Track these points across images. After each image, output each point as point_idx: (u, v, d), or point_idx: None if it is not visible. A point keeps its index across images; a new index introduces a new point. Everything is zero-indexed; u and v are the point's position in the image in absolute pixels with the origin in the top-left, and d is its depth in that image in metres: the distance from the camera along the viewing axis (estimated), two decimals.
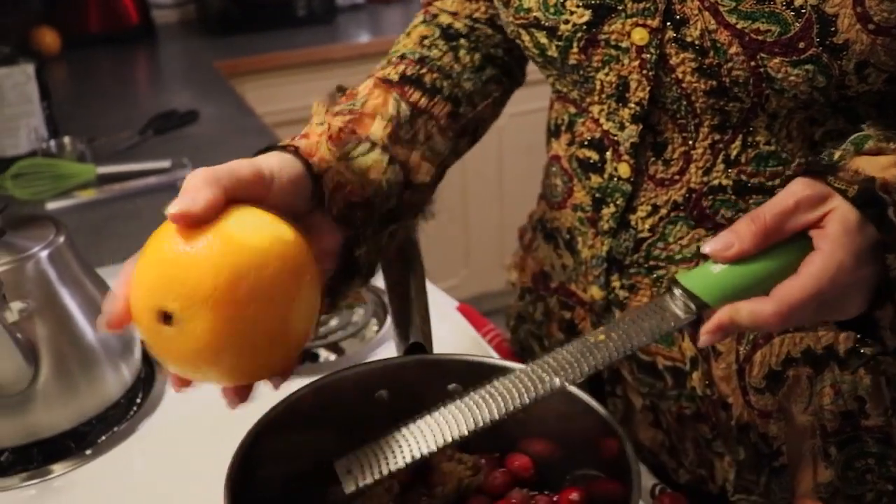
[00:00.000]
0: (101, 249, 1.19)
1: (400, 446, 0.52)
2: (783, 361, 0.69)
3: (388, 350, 0.90)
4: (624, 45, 0.65)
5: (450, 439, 0.52)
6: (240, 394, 0.54)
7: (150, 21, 2.49)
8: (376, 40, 2.39)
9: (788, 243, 0.53)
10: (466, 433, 0.52)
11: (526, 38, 0.69)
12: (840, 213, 0.52)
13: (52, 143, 1.53)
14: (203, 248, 0.48)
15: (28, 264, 0.78)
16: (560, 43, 0.67)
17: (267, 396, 0.57)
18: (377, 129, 0.65)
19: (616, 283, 0.74)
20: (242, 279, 0.47)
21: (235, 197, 0.51)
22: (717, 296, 0.52)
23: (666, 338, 0.72)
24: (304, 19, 2.48)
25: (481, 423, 0.52)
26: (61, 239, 0.82)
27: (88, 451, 0.80)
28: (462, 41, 0.75)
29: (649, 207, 0.70)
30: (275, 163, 0.56)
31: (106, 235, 1.25)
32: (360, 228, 0.60)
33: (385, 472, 0.52)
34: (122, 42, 2.40)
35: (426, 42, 0.75)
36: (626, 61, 0.65)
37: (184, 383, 0.53)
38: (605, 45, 0.65)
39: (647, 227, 0.70)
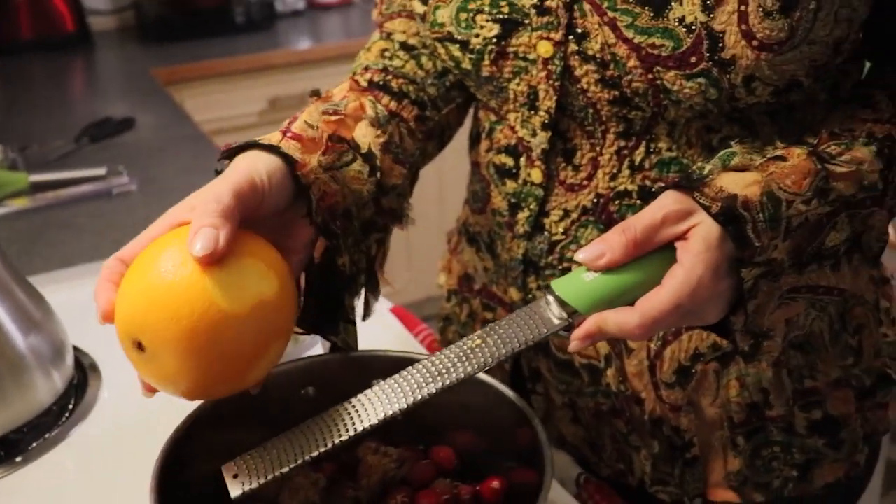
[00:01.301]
0: (34, 258, 1.19)
1: (290, 447, 0.54)
2: (691, 356, 0.73)
3: (319, 352, 0.92)
4: (531, 56, 0.68)
5: (330, 446, 0.54)
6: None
7: (87, 28, 2.46)
8: (316, 47, 2.40)
9: (655, 254, 0.57)
10: (342, 440, 0.54)
11: (442, 51, 0.72)
12: (703, 229, 0.56)
13: None
14: (185, 294, 0.49)
15: None
16: (472, 56, 0.70)
17: None
18: (363, 135, 0.66)
19: (533, 285, 0.77)
20: (214, 339, 0.50)
21: (240, 217, 0.53)
22: (588, 304, 0.56)
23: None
24: (242, 26, 2.48)
25: (354, 433, 0.54)
26: None
27: (19, 459, 0.80)
28: (421, 51, 0.78)
29: (561, 212, 0.73)
30: (265, 172, 0.57)
31: (40, 244, 1.25)
32: (339, 238, 0.62)
33: (272, 475, 0.53)
34: (57, 49, 2.36)
35: (387, 54, 0.78)
36: (534, 72, 0.69)
37: (152, 391, 0.55)
38: (514, 58, 0.69)
39: (560, 230, 0.73)
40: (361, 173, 0.64)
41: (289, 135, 0.62)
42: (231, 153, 0.60)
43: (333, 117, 0.66)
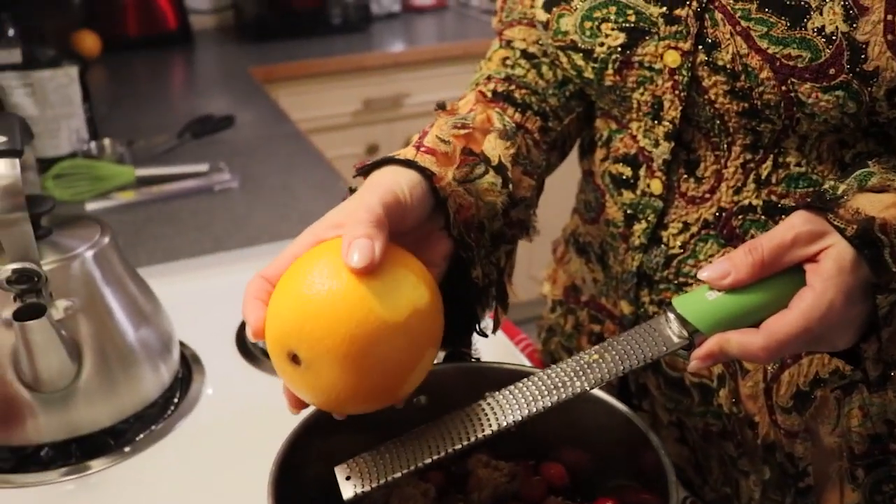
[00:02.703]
0: (138, 251, 1.22)
1: (403, 453, 0.54)
2: (811, 382, 0.70)
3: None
4: (657, 66, 0.66)
5: (443, 454, 0.53)
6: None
7: (188, 26, 2.54)
8: (410, 49, 2.42)
9: (783, 275, 0.54)
10: (456, 449, 0.53)
11: (564, 59, 0.71)
12: (836, 252, 0.53)
13: (93, 144, 1.56)
14: (343, 304, 0.49)
15: (74, 263, 0.81)
16: (596, 65, 0.69)
17: None
18: (493, 147, 0.65)
19: (646, 299, 0.75)
20: (373, 347, 0.49)
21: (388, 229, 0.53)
22: (710, 323, 0.54)
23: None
24: (338, 27, 2.52)
25: (467, 443, 0.53)
26: (106, 239, 0.84)
27: (127, 449, 0.83)
28: (542, 59, 0.77)
29: (680, 224, 0.71)
30: (406, 187, 0.56)
31: (144, 237, 1.28)
32: (474, 250, 0.61)
33: (384, 479, 0.53)
34: (161, 46, 2.44)
35: (508, 62, 0.77)
36: (659, 82, 0.67)
37: (299, 406, 0.54)
38: (639, 67, 0.67)
39: (677, 243, 0.72)
40: (494, 185, 0.63)
41: (423, 149, 0.61)
42: (366, 170, 0.60)
43: (463, 131, 0.65)
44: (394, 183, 0.56)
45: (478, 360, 0.66)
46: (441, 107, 0.69)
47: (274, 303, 0.52)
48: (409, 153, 0.61)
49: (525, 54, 0.78)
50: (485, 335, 0.66)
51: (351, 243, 0.50)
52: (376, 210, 0.52)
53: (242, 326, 1.02)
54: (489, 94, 0.72)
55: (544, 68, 0.77)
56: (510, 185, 0.64)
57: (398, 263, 0.52)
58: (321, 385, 0.50)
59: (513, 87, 0.74)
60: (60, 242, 0.82)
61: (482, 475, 0.62)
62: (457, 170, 0.61)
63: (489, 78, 0.75)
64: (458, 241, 0.60)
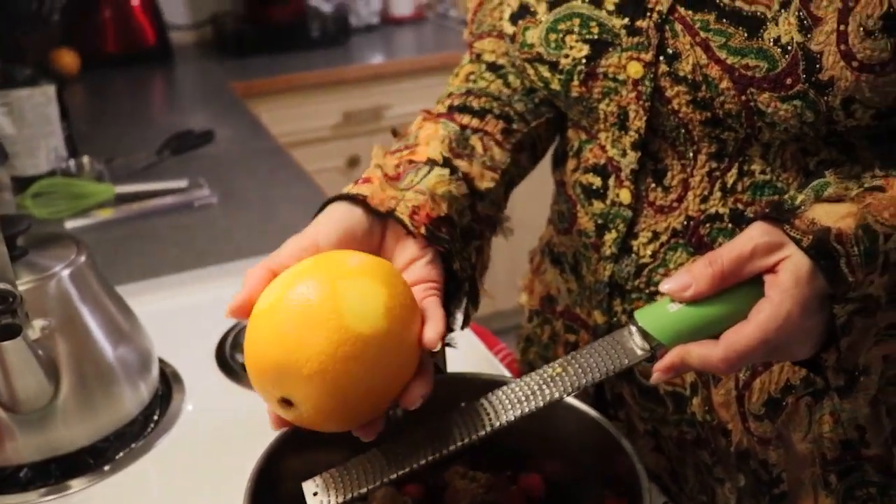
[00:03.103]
0: (118, 268, 1.21)
1: (372, 467, 0.54)
2: (782, 389, 0.71)
3: None
4: (621, 77, 0.67)
5: (409, 468, 0.54)
6: None
7: (167, 42, 2.53)
8: (390, 62, 2.43)
9: (742, 287, 0.55)
10: (423, 463, 0.54)
11: (531, 71, 0.72)
12: (792, 263, 0.54)
13: (72, 162, 1.55)
14: (317, 332, 0.49)
15: (50, 283, 0.81)
16: (561, 76, 0.70)
17: None
18: (433, 148, 0.68)
19: (618, 308, 0.76)
20: (353, 363, 0.49)
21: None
22: (671, 336, 0.54)
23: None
24: (318, 41, 2.52)
25: (445, 452, 0.54)
26: (82, 258, 0.84)
27: (106, 468, 0.83)
28: (508, 69, 0.78)
29: (650, 234, 0.72)
30: (318, 231, 0.59)
31: (123, 255, 1.28)
32: (448, 243, 0.62)
33: (352, 493, 0.53)
34: (140, 63, 2.43)
35: (472, 77, 0.78)
36: (624, 93, 0.68)
37: (282, 424, 0.54)
38: (603, 78, 0.68)
39: (648, 252, 0.72)
40: (443, 176, 0.65)
41: (360, 181, 0.64)
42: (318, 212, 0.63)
43: (405, 152, 0.67)
44: (309, 231, 0.59)
45: (447, 345, 0.66)
46: (394, 133, 0.72)
47: (254, 342, 0.51)
48: (346, 189, 0.63)
49: (492, 67, 0.79)
50: (451, 329, 0.66)
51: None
52: (267, 267, 0.56)
53: (222, 342, 1.02)
54: (443, 110, 0.74)
55: (511, 77, 0.78)
56: (459, 173, 0.66)
57: (359, 274, 0.52)
58: (310, 412, 0.50)
59: (471, 97, 0.75)
60: (36, 262, 0.82)
61: (459, 486, 0.62)
62: (395, 182, 0.63)
63: (449, 95, 0.77)
64: (429, 238, 0.61)
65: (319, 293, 0.49)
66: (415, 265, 0.60)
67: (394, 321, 0.51)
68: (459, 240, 0.64)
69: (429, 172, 0.65)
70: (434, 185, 0.63)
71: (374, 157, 0.67)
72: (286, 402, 0.50)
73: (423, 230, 0.60)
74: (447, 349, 0.66)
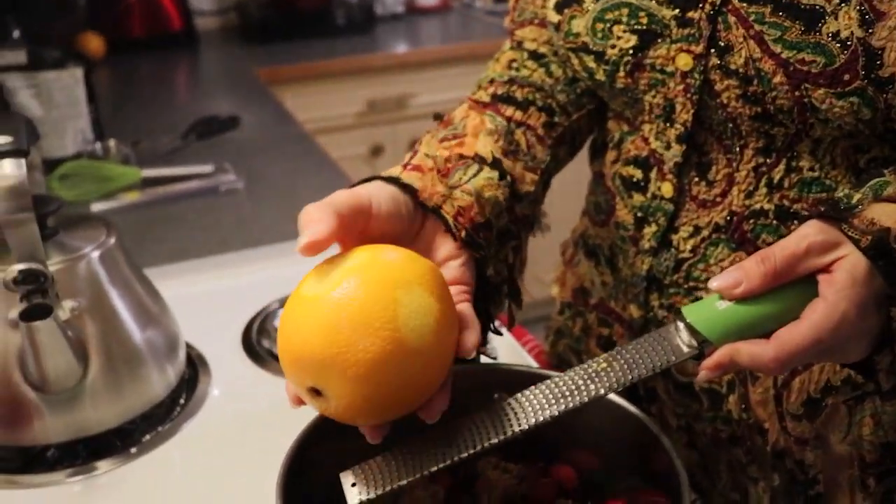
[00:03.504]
0: (144, 251, 1.21)
1: (411, 459, 0.53)
2: (822, 389, 0.69)
3: None
4: (669, 69, 0.66)
5: (450, 461, 0.52)
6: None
7: (193, 27, 2.53)
8: (414, 50, 2.42)
9: (795, 286, 0.53)
10: (463, 457, 0.52)
11: (575, 61, 0.71)
12: (849, 263, 0.53)
13: (98, 145, 1.55)
14: (362, 332, 0.47)
15: (80, 264, 0.80)
16: (607, 67, 0.68)
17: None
18: (483, 144, 0.66)
19: (655, 303, 0.74)
20: (392, 370, 0.48)
21: (346, 224, 0.52)
22: (720, 333, 0.53)
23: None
24: (343, 28, 2.51)
25: (484, 445, 0.53)
26: (112, 240, 0.84)
27: (133, 450, 0.82)
28: (551, 58, 0.77)
29: (691, 228, 0.71)
30: (374, 196, 0.56)
31: (149, 238, 1.28)
32: (484, 249, 0.61)
33: (390, 486, 0.52)
34: (165, 47, 2.44)
35: (514, 65, 0.77)
36: (671, 85, 0.66)
37: (301, 403, 0.53)
38: (650, 70, 0.67)
39: (688, 247, 0.71)
40: (492, 180, 0.63)
41: (409, 167, 0.62)
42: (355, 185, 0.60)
43: (453, 141, 0.65)
44: (361, 189, 0.56)
45: (494, 358, 0.66)
46: (438, 117, 0.69)
47: (299, 328, 0.49)
48: (394, 171, 0.61)
49: (534, 55, 0.77)
50: (499, 333, 0.66)
51: (301, 231, 0.50)
52: (326, 202, 0.52)
53: (249, 327, 1.01)
54: (487, 99, 0.72)
55: (553, 66, 0.76)
56: (508, 178, 0.64)
57: (416, 283, 0.50)
58: (339, 408, 0.49)
59: (514, 87, 0.73)
60: (67, 243, 0.82)
61: (491, 477, 0.61)
62: (445, 177, 0.61)
63: (492, 81, 0.75)
64: (467, 243, 0.60)
65: (379, 298, 0.48)
66: (450, 264, 0.59)
67: (440, 338, 0.50)
68: (496, 243, 0.63)
69: (477, 172, 0.63)
70: (482, 188, 0.62)
71: (424, 143, 0.66)
72: (316, 392, 0.49)
73: (463, 233, 0.59)
74: (491, 337, 0.66)
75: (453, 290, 0.56)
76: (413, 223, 0.59)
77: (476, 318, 0.55)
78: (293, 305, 0.50)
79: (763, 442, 0.73)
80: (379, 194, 0.57)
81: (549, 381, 0.55)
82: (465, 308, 0.55)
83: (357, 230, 0.54)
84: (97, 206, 1.38)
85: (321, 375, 0.48)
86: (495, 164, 0.65)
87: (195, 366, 0.94)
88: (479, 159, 0.64)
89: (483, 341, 0.65)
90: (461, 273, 0.59)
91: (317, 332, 0.48)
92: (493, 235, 0.63)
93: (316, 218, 0.51)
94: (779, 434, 0.72)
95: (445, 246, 0.60)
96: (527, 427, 0.53)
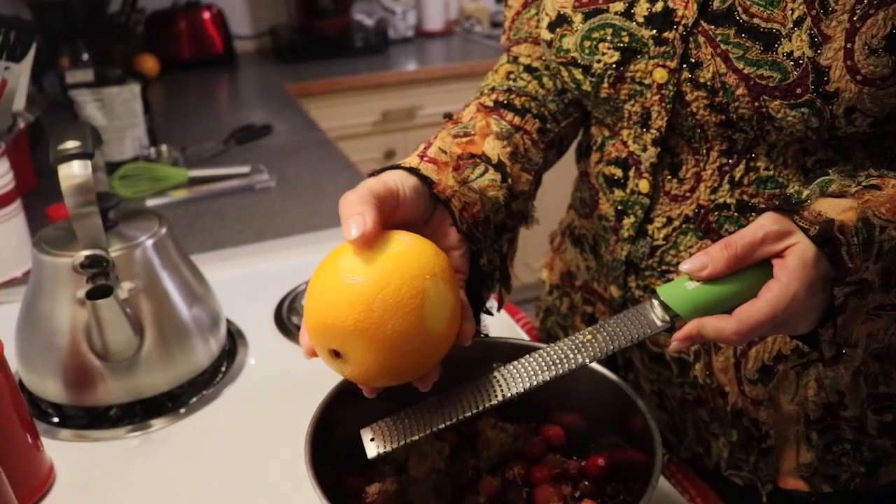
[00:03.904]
0: (191, 241, 1.21)
1: (421, 418, 0.53)
2: (774, 357, 0.69)
3: None
4: (647, 81, 0.65)
5: (455, 420, 0.52)
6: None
7: (232, 49, 2.52)
8: (422, 68, 2.40)
9: (753, 268, 0.53)
10: (467, 416, 0.52)
11: (565, 73, 0.70)
12: (800, 249, 0.52)
13: (152, 150, 1.55)
14: (392, 313, 0.47)
15: (136, 251, 0.80)
16: (593, 79, 0.67)
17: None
18: (490, 145, 0.64)
19: (633, 284, 0.74)
20: (407, 347, 0.48)
21: (382, 211, 0.51)
22: (689, 309, 0.53)
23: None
24: (361, 49, 2.50)
25: (485, 406, 0.52)
26: (164, 230, 0.83)
27: (182, 410, 0.82)
28: (543, 72, 0.76)
29: (664, 219, 0.70)
30: (401, 183, 0.55)
31: (195, 229, 1.27)
32: (481, 242, 0.60)
33: (404, 441, 0.52)
34: (209, 67, 2.43)
35: (511, 76, 0.75)
36: (648, 95, 0.65)
37: (314, 354, 0.51)
38: (630, 82, 0.66)
39: (661, 236, 0.70)
40: (495, 181, 0.62)
41: (426, 159, 0.60)
42: (376, 174, 0.58)
43: (464, 139, 0.64)
44: (389, 178, 0.55)
45: (486, 335, 0.65)
46: (448, 116, 0.68)
47: (326, 297, 0.48)
48: (412, 161, 0.59)
49: (528, 68, 0.76)
50: (490, 314, 0.65)
51: (347, 221, 0.48)
52: (365, 193, 0.51)
53: (280, 306, 1.00)
54: (490, 104, 0.71)
55: (545, 79, 0.75)
56: (509, 180, 0.63)
57: (440, 277, 0.49)
58: (355, 372, 0.49)
59: (513, 95, 0.72)
60: (125, 233, 0.81)
61: (490, 435, 0.61)
62: (457, 172, 0.60)
63: (493, 89, 0.74)
64: (467, 235, 0.59)
65: (411, 287, 0.47)
66: (451, 254, 0.58)
67: (451, 326, 0.50)
68: (492, 235, 0.62)
69: (483, 173, 0.62)
70: (486, 188, 0.61)
71: (439, 138, 0.64)
72: (336, 354, 0.48)
73: (465, 227, 0.58)
74: (483, 317, 0.65)
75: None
76: (426, 212, 0.58)
77: (469, 307, 0.55)
78: (329, 276, 0.49)
79: (724, 403, 0.72)
80: (405, 184, 0.55)
81: (540, 351, 0.54)
82: (462, 298, 0.55)
83: (387, 215, 0.53)
84: (151, 202, 1.38)
85: (348, 344, 0.47)
86: (499, 166, 0.63)
87: (234, 339, 0.93)
88: (486, 159, 0.63)
89: (477, 321, 0.64)
90: (460, 262, 0.58)
91: (352, 306, 0.47)
92: (490, 230, 0.62)
93: (359, 210, 0.49)
94: (737, 396, 0.71)
95: (451, 236, 0.59)
96: (522, 391, 0.53)
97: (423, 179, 0.57)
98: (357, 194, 0.51)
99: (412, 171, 0.57)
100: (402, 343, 0.47)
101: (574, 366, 0.53)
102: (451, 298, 0.50)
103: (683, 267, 0.53)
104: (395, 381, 0.51)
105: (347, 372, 0.49)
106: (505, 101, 0.71)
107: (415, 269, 0.48)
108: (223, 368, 0.88)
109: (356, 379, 0.50)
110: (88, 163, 0.70)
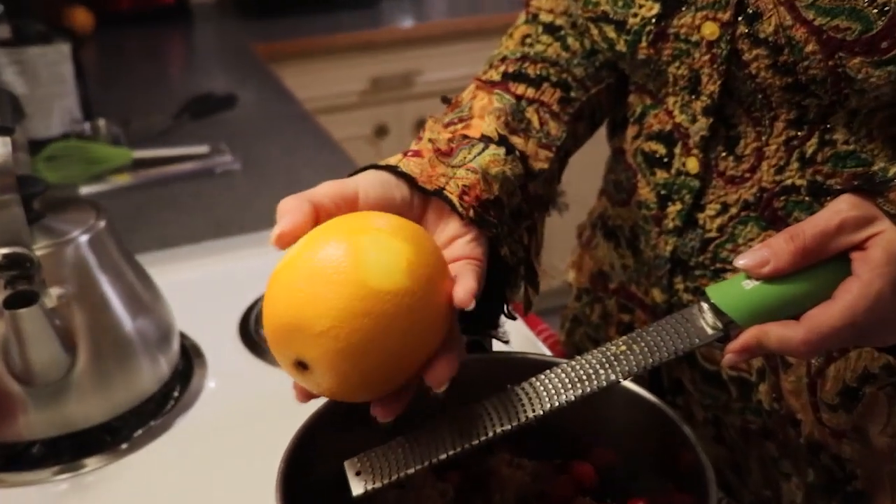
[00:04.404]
0: (136, 236, 1.21)
1: (417, 448, 0.53)
2: (860, 377, 0.69)
3: None
4: (694, 38, 0.65)
5: (459, 449, 0.52)
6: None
7: (186, 0, 2.53)
8: (421, 25, 2.40)
9: (827, 264, 0.53)
10: (473, 444, 0.52)
11: (595, 31, 0.70)
12: (885, 239, 0.52)
13: (86, 125, 1.54)
14: (333, 287, 0.47)
15: (67, 249, 0.80)
16: (628, 37, 0.68)
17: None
18: (488, 124, 0.65)
19: (680, 286, 0.74)
20: (368, 320, 0.48)
21: (328, 214, 0.53)
22: (746, 315, 0.53)
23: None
24: (345, 2, 2.50)
25: (496, 432, 0.52)
26: (102, 224, 0.83)
27: (123, 446, 0.82)
28: (567, 31, 0.76)
29: (718, 206, 0.70)
30: (362, 183, 0.56)
31: (141, 222, 1.27)
32: (496, 227, 0.60)
33: (396, 475, 0.52)
34: (156, 21, 2.43)
35: (528, 41, 0.76)
36: (696, 55, 0.66)
37: (308, 397, 0.53)
38: (674, 39, 0.66)
39: (715, 226, 0.70)
40: (497, 156, 0.62)
41: (409, 154, 0.61)
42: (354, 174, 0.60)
43: (459, 125, 0.65)
44: (350, 179, 0.57)
45: (507, 342, 0.65)
46: (446, 101, 0.69)
47: (268, 301, 0.50)
48: (394, 159, 0.61)
49: (549, 28, 0.76)
50: (513, 317, 0.65)
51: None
52: (303, 193, 0.53)
53: (246, 316, 1.01)
54: (497, 77, 0.72)
55: (570, 39, 0.76)
56: (516, 153, 0.64)
57: (384, 231, 0.50)
58: (325, 377, 0.49)
59: (527, 63, 0.73)
60: (53, 226, 0.81)
61: (505, 474, 0.61)
62: (447, 157, 0.61)
63: (503, 59, 0.74)
64: (477, 222, 0.59)
65: (338, 247, 0.48)
66: (457, 242, 0.59)
67: (417, 280, 0.49)
68: (509, 221, 0.63)
69: (483, 150, 0.63)
70: (487, 165, 0.62)
71: (428, 129, 0.65)
72: (301, 366, 0.49)
73: (471, 213, 0.59)
74: (504, 322, 0.65)
75: (460, 264, 0.56)
76: (411, 209, 0.59)
77: (477, 275, 0.54)
78: (268, 283, 0.51)
79: (796, 434, 0.72)
80: (368, 182, 0.57)
81: (563, 365, 0.54)
82: (463, 266, 0.55)
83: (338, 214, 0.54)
84: (85, 189, 1.38)
85: (293, 341, 0.48)
86: (501, 140, 0.64)
87: (189, 357, 0.94)
88: (485, 139, 0.64)
89: (496, 325, 0.64)
90: (470, 248, 0.58)
91: (279, 297, 0.48)
92: (506, 214, 0.62)
93: (289, 208, 0.52)
94: (813, 426, 0.71)
95: (451, 225, 0.59)
96: (541, 413, 0.53)
97: (399, 174, 0.58)
98: (294, 195, 0.53)
99: (387, 168, 0.59)
100: (347, 312, 0.47)
101: (604, 383, 0.53)
102: (404, 247, 0.49)
103: (739, 262, 0.53)
104: (384, 380, 0.50)
105: (319, 380, 0.49)
106: (515, 72, 0.72)
107: (342, 230, 0.50)
108: (175, 394, 0.89)
109: (335, 389, 0.50)
110: (7, 140, 0.71)
